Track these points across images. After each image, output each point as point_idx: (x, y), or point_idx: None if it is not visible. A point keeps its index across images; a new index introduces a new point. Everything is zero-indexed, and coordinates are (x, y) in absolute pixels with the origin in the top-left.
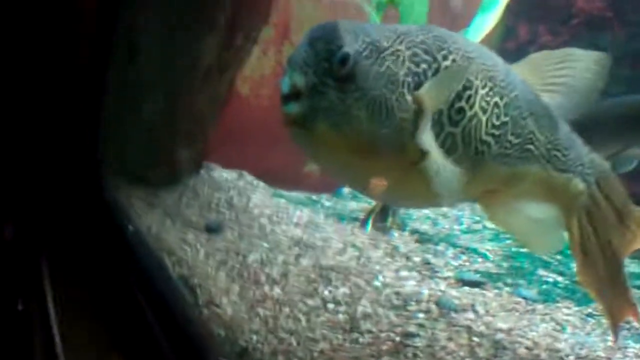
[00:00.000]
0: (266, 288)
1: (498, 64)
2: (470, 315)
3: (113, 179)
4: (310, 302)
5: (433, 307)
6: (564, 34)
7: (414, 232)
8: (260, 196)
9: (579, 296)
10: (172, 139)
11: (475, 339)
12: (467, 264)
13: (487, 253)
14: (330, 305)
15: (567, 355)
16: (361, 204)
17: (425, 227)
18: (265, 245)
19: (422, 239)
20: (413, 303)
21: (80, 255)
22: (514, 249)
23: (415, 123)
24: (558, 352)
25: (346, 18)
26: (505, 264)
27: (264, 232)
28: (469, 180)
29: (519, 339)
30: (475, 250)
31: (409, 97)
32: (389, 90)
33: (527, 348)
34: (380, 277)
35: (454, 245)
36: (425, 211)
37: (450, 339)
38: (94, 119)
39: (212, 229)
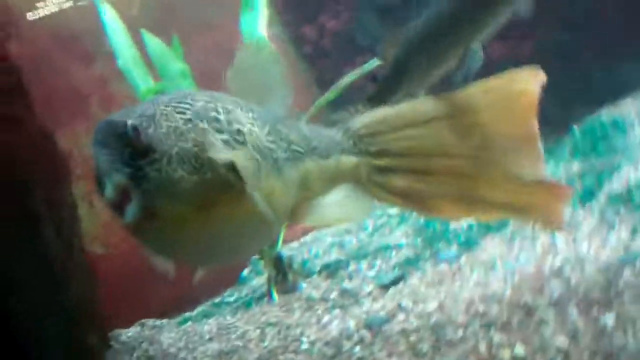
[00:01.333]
0: None
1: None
2: (401, 316)
3: None
4: None
5: (364, 332)
6: None
7: (322, 269)
8: (167, 334)
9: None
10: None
11: (412, 337)
12: (383, 265)
13: (401, 241)
14: None
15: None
16: (263, 277)
17: (333, 256)
18: None
19: (331, 271)
20: (345, 342)
21: None
22: (421, 220)
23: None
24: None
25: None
26: (419, 239)
27: None
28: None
29: (455, 306)
30: (387, 247)
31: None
32: (184, 143)
33: (464, 311)
34: (304, 339)
35: (365, 256)
36: (329, 240)
37: (390, 354)
38: None
39: None
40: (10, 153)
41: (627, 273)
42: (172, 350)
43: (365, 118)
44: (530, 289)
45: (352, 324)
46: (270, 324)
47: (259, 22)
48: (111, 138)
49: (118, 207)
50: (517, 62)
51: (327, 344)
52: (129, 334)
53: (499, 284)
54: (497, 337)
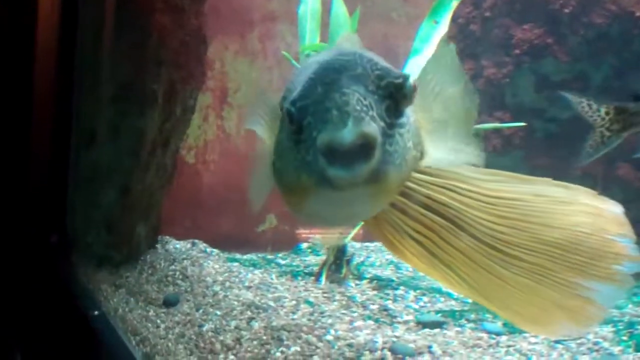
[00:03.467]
0: (221, 357)
1: None
2: (427, 357)
3: (80, 264)
4: None
5: (387, 354)
6: (508, 65)
7: (373, 279)
8: (212, 263)
9: None
10: (129, 217)
11: None
12: (428, 304)
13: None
14: None
15: None
16: (319, 258)
17: (386, 272)
18: (218, 312)
19: (381, 285)
20: (367, 353)
21: (51, 345)
22: None
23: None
24: None
25: (282, 75)
26: (470, 300)
27: (217, 300)
28: None
29: None
30: (438, 290)
31: None
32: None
33: None
34: (332, 331)
35: (415, 288)
36: (388, 256)
37: None
38: (60, 204)
39: (170, 303)
40: (170, 34)
41: None
42: (209, 279)
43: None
44: None
45: (380, 341)
46: (307, 302)
47: (434, 36)
48: (379, 82)
49: (347, 156)
50: None
51: (349, 346)
52: (177, 246)
53: None
54: None
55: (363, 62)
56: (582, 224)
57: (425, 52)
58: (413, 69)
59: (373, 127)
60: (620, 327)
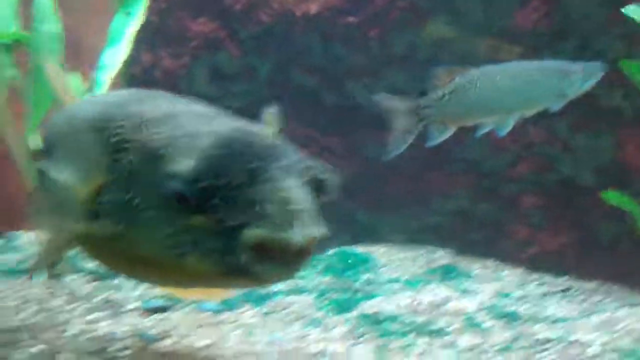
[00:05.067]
0: None
1: None
2: (169, 341)
3: None
4: None
5: (131, 342)
6: (184, 57)
7: (89, 272)
8: None
9: (254, 297)
10: None
11: None
12: (148, 291)
13: None
14: None
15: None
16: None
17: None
18: None
19: (97, 277)
20: (111, 343)
21: None
22: None
23: None
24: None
25: None
26: None
27: None
28: None
29: (219, 351)
30: None
31: None
32: None
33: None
34: (69, 327)
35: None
36: None
37: None
38: None
39: None
40: None
41: None
42: None
43: None
44: None
45: (118, 330)
46: (32, 300)
47: (128, 28)
48: (307, 175)
49: (287, 256)
50: None
51: (92, 339)
52: None
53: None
54: None
55: (285, 150)
56: None
57: (121, 45)
58: (109, 61)
59: (320, 229)
60: (317, 295)
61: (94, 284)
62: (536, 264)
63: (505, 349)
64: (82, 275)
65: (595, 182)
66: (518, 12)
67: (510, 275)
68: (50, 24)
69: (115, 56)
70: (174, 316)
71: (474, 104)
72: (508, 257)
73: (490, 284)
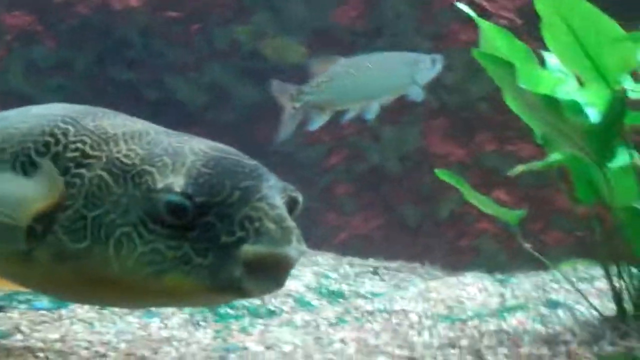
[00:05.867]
0: None
1: None
2: (19, 336)
3: None
4: None
5: None
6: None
7: None
8: None
9: None
10: None
11: (40, 354)
12: None
13: None
14: None
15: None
16: None
17: None
18: None
19: None
20: None
21: None
22: None
23: None
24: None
25: None
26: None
27: None
28: None
29: (77, 343)
30: None
31: None
32: None
33: (85, 348)
34: None
35: None
36: None
37: None
38: None
39: None
40: None
41: None
42: None
43: None
44: None
45: None
46: None
47: None
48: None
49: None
50: None
51: None
52: None
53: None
54: None
55: (264, 170)
56: None
57: None
58: None
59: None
60: None
61: None
62: (347, 247)
63: (339, 321)
64: None
65: (401, 169)
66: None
67: (326, 259)
68: None
69: None
70: (12, 315)
71: (346, 90)
72: (322, 242)
73: (309, 267)
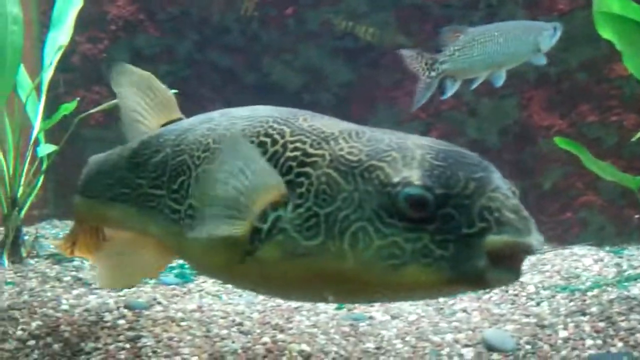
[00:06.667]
0: None
1: None
2: (158, 307)
3: None
4: (7, 345)
5: (125, 311)
6: (104, 40)
7: (50, 256)
8: None
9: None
10: None
11: (183, 323)
12: None
13: None
14: (31, 342)
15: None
16: None
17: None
18: None
19: (58, 259)
20: (106, 313)
21: None
22: None
23: None
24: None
25: None
26: None
27: None
28: None
29: (214, 313)
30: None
31: None
32: None
33: (222, 317)
34: (63, 301)
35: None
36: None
37: (165, 330)
38: None
39: None
40: None
41: None
42: None
43: None
44: None
45: (110, 301)
46: (8, 283)
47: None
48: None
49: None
50: None
51: (88, 310)
52: None
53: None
54: None
55: (487, 161)
56: None
57: (64, 27)
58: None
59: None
60: None
61: (56, 267)
62: None
63: None
64: (44, 259)
65: (500, 142)
66: None
67: None
68: None
69: (58, 39)
70: (145, 289)
71: (478, 59)
72: None
73: None
